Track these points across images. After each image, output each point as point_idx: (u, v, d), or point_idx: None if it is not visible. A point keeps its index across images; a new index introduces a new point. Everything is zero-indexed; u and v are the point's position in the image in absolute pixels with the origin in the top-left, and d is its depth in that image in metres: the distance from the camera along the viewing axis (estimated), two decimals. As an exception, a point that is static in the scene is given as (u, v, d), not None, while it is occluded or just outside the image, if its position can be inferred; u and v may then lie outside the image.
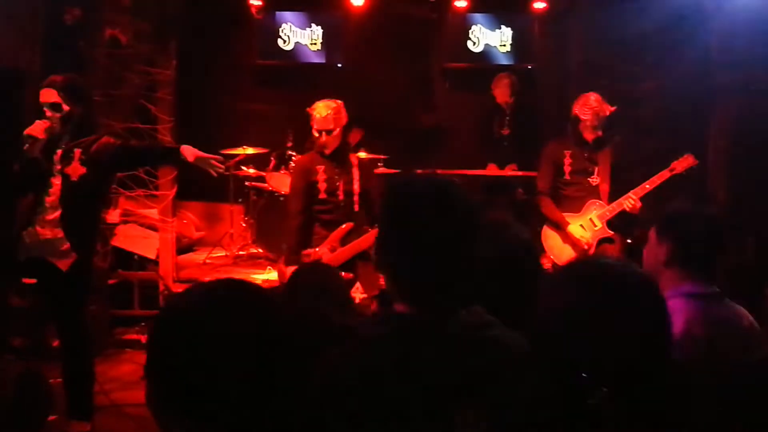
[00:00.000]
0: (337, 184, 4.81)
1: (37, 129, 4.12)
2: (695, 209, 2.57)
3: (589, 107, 5.01)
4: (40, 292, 4.44)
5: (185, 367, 1.39)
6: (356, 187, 4.80)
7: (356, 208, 4.79)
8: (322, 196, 4.79)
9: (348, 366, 1.62)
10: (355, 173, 4.85)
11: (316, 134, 4.82)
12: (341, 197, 4.81)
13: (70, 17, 6.40)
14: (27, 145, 4.09)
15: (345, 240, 4.70)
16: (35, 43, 6.55)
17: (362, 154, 6.81)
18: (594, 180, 5.12)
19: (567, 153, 5.14)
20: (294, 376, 1.48)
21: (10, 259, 4.20)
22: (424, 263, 1.62)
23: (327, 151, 4.83)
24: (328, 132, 4.78)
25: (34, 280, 4.43)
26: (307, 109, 4.86)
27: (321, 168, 4.82)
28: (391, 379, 1.58)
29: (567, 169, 5.15)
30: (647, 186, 4.93)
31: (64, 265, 4.19)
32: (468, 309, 1.68)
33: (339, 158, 4.86)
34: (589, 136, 5.06)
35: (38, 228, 4.18)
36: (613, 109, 5.04)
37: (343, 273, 3.92)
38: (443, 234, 1.62)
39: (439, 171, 5.72)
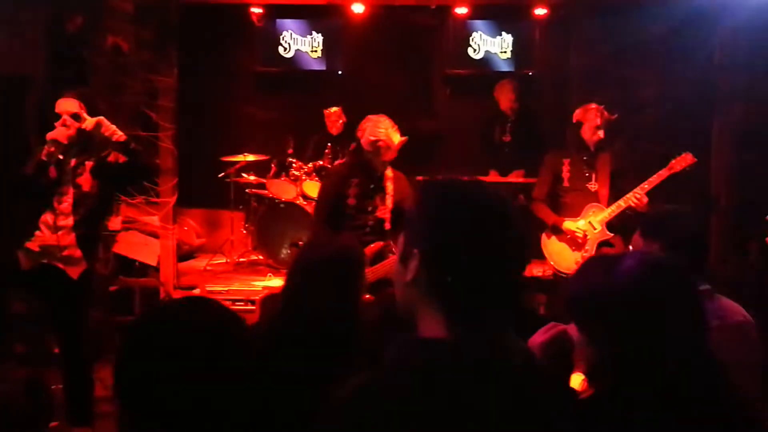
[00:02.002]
0: (368, 200, 4.52)
1: (62, 134, 4.19)
2: (679, 211, 2.70)
3: (590, 111, 5.11)
4: (45, 298, 4.45)
5: (146, 385, 1.43)
6: (389, 202, 4.50)
7: (387, 226, 4.47)
8: (349, 211, 4.50)
9: (380, 403, 1.32)
10: (389, 188, 4.55)
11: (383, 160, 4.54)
12: (373, 214, 4.51)
13: (72, 25, 6.43)
14: (53, 148, 4.14)
15: (373, 261, 4.29)
16: (38, 51, 6.58)
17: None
18: (593, 186, 5.16)
19: (566, 161, 5.19)
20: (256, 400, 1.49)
21: (15, 265, 4.23)
22: (488, 279, 1.39)
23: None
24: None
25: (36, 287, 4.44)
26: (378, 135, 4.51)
27: (355, 181, 4.54)
28: (442, 423, 1.30)
29: (566, 175, 5.19)
30: (646, 186, 4.95)
31: (74, 273, 4.24)
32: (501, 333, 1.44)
33: (373, 171, 4.55)
34: (590, 139, 5.12)
35: (50, 235, 4.20)
36: (613, 116, 5.10)
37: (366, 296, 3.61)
38: (508, 250, 1.41)
39: (440, 178, 5.62)
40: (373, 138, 4.48)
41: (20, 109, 6.15)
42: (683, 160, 4.97)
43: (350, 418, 1.31)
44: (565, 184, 5.19)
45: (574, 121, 5.20)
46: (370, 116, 4.64)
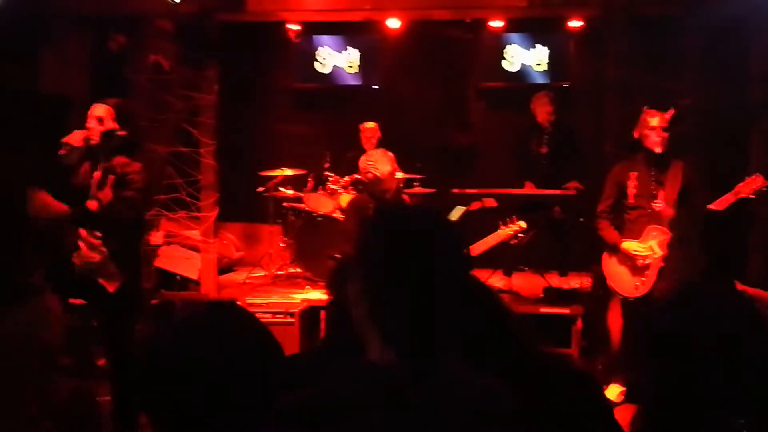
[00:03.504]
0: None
1: (75, 137, 4.22)
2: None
3: (643, 118, 4.95)
4: (90, 311, 4.55)
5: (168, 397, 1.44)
6: None
7: None
8: None
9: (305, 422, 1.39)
10: None
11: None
12: None
13: (115, 44, 6.59)
14: (65, 150, 4.19)
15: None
16: (82, 70, 6.76)
17: (399, 174, 6.87)
18: (657, 205, 4.97)
19: (633, 175, 5.01)
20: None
21: (63, 278, 4.32)
22: (416, 306, 1.44)
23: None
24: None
25: (81, 301, 4.54)
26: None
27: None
28: None
29: (632, 191, 5.02)
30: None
31: (112, 286, 4.30)
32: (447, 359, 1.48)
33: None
34: (655, 145, 4.92)
35: (86, 250, 4.29)
36: (672, 111, 4.91)
37: None
38: (435, 279, 1.45)
39: (477, 190, 5.73)
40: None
41: (65, 128, 6.31)
42: (753, 183, 4.71)
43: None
44: (630, 200, 5.05)
45: (636, 136, 5.02)
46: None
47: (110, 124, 4.31)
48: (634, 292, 5.02)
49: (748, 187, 4.71)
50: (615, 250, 5.09)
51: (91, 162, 4.32)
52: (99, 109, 4.32)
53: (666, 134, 4.90)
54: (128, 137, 4.41)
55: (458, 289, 1.49)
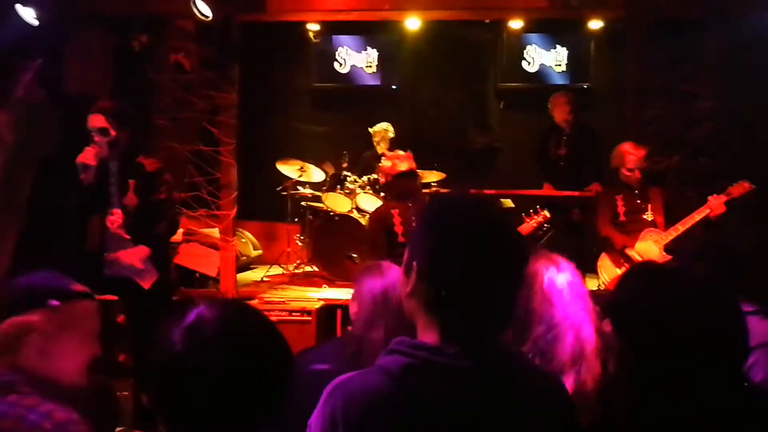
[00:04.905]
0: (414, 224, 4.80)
1: (88, 156, 4.25)
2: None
3: (620, 154, 5.36)
4: (119, 308, 4.62)
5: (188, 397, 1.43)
6: None
7: None
8: (401, 239, 4.75)
9: (361, 399, 1.42)
10: None
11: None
12: None
13: (137, 44, 6.66)
14: (82, 173, 4.25)
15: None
16: (105, 70, 6.83)
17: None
18: (648, 215, 5.34)
19: (618, 198, 5.41)
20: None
21: (95, 275, 4.37)
22: (480, 293, 1.45)
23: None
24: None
25: (113, 297, 4.60)
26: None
27: (396, 211, 4.85)
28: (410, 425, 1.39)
29: (621, 210, 5.40)
30: (705, 212, 5.08)
31: (146, 283, 4.39)
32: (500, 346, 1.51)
33: (413, 198, 4.90)
34: (632, 181, 5.34)
35: (117, 251, 4.36)
36: (644, 152, 5.30)
37: None
38: (502, 266, 1.47)
39: (495, 191, 5.71)
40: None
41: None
42: (740, 188, 5.09)
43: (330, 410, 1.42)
44: (621, 218, 5.40)
45: (613, 166, 5.43)
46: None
47: (113, 132, 4.32)
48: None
49: (736, 191, 5.10)
50: (622, 254, 5.35)
51: (105, 172, 4.37)
52: (99, 120, 4.31)
53: (639, 175, 5.30)
54: (133, 137, 4.46)
55: (519, 278, 1.52)
